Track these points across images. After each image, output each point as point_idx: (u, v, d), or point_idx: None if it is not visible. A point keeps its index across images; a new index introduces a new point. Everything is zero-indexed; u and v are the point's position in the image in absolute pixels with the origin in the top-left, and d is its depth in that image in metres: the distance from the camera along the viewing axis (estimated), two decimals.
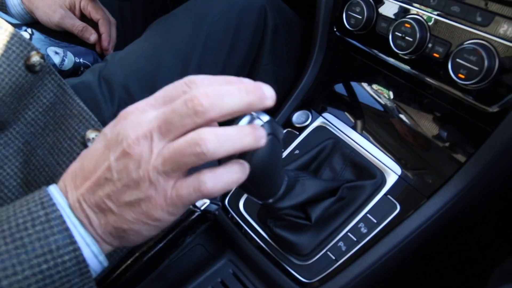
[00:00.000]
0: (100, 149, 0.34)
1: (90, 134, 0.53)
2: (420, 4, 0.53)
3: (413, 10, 0.54)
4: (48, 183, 0.53)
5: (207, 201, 0.53)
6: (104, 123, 0.57)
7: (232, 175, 0.34)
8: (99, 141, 0.35)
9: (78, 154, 0.52)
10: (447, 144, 0.54)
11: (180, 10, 0.66)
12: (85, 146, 0.53)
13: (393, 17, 0.57)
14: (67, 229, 0.33)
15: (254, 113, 0.41)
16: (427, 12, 0.53)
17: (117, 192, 0.33)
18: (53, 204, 0.33)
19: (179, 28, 0.62)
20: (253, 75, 0.67)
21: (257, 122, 0.40)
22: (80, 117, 0.54)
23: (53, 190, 0.35)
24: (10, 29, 0.52)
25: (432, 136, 0.56)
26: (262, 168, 0.41)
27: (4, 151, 0.53)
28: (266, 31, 0.66)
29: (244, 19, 0.64)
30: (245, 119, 0.40)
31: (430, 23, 0.53)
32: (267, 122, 0.40)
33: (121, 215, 0.34)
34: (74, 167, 0.37)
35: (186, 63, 0.60)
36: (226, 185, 0.34)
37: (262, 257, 0.56)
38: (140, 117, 0.33)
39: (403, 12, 0.56)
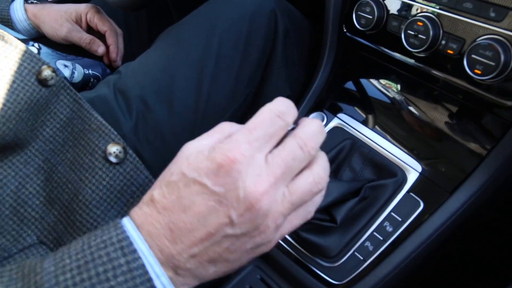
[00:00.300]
0: (208, 203, 0.32)
1: (111, 148, 0.53)
2: (431, 1, 0.54)
3: (424, 8, 0.55)
4: (72, 200, 0.53)
5: None
6: (124, 136, 0.57)
7: (321, 198, 0.37)
8: (198, 193, 0.32)
9: (100, 169, 0.53)
10: (465, 139, 0.55)
11: (190, 18, 0.66)
12: (106, 160, 0.53)
13: (404, 15, 0.57)
14: (149, 279, 0.31)
15: None
16: (439, 9, 0.53)
17: (238, 244, 0.33)
18: (134, 251, 0.32)
19: (192, 37, 0.62)
20: (266, 80, 0.67)
21: None
22: (100, 131, 0.53)
23: (131, 230, 0.33)
24: (20, 45, 0.52)
25: (449, 131, 0.56)
26: None
27: (25, 170, 0.53)
28: (277, 35, 0.66)
29: (255, 24, 0.64)
30: None
31: (442, 20, 0.53)
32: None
33: (237, 261, 0.34)
34: (163, 221, 0.33)
35: (201, 72, 0.60)
36: None
37: (290, 261, 0.56)
38: (254, 165, 0.32)
39: (414, 10, 0.56)
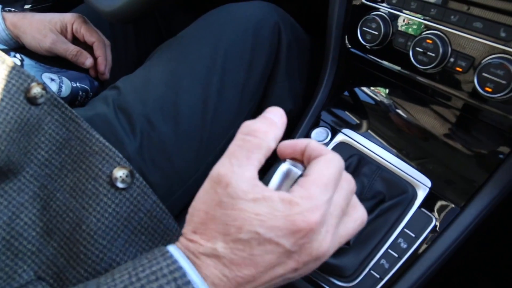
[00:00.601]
0: (280, 259, 0.32)
1: (117, 172, 0.49)
2: (441, 20, 0.55)
3: (433, 25, 0.55)
4: (74, 230, 0.48)
5: None
6: (129, 158, 0.53)
7: None
8: (273, 251, 0.32)
9: (105, 195, 0.49)
10: (474, 153, 0.56)
11: (191, 31, 0.62)
12: (112, 185, 0.49)
13: (411, 32, 0.58)
14: None
15: (288, 161, 0.39)
16: (448, 28, 0.54)
17: (290, 279, 0.34)
18: (188, 282, 0.30)
19: (195, 51, 0.59)
20: (269, 93, 0.66)
21: (295, 171, 0.38)
22: (103, 154, 0.49)
23: (187, 267, 0.31)
24: (8, 61, 0.48)
25: (457, 146, 0.57)
26: None
27: (19, 198, 0.48)
28: (280, 48, 0.64)
29: (260, 37, 0.62)
30: (284, 167, 0.38)
31: (451, 38, 0.54)
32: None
33: None
34: (230, 275, 0.31)
35: (207, 87, 0.57)
36: None
37: (304, 282, 0.55)
38: (325, 223, 0.33)
39: (422, 27, 0.57)
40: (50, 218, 0.48)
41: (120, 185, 0.48)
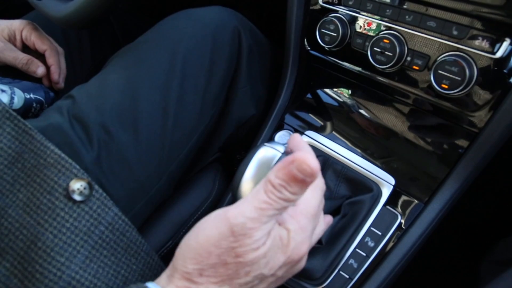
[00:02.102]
0: (269, 283, 0.38)
1: (74, 184, 0.46)
2: (396, 20, 0.56)
3: (389, 26, 0.56)
4: (29, 248, 0.46)
5: None
6: (86, 169, 0.50)
7: None
8: (268, 281, 0.38)
9: (61, 209, 0.46)
10: (434, 149, 0.57)
11: (149, 37, 0.60)
12: (69, 199, 0.46)
13: (369, 33, 0.59)
14: None
15: (267, 144, 0.41)
16: (404, 28, 0.55)
17: None
18: None
19: (153, 56, 0.57)
20: (232, 98, 0.65)
21: (275, 153, 0.40)
22: (58, 166, 0.47)
23: None
24: None
25: (419, 143, 0.58)
26: None
27: None
28: (241, 52, 0.63)
29: (219, 41, 0.61)
30: (262, 150, 0.40)
31: (407, 38, 0.55)
32: (285, 153, 0.40)
33: None
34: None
35: (166, 94, 0.56)
36: None
37: None
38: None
39: (378, 28, 0.58)
40: (1, 236, 0.45)
41: (77, 198, 0.46)
